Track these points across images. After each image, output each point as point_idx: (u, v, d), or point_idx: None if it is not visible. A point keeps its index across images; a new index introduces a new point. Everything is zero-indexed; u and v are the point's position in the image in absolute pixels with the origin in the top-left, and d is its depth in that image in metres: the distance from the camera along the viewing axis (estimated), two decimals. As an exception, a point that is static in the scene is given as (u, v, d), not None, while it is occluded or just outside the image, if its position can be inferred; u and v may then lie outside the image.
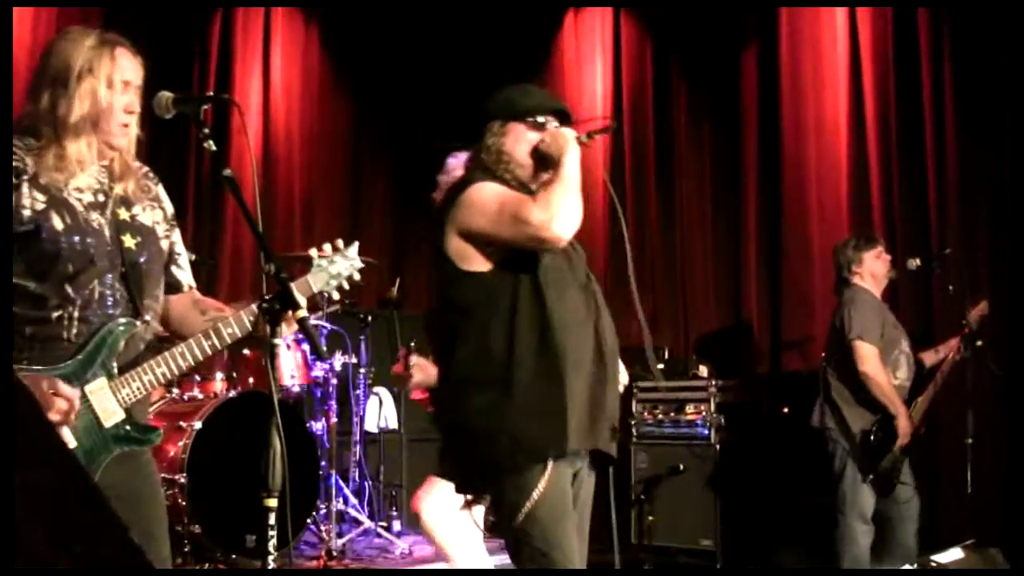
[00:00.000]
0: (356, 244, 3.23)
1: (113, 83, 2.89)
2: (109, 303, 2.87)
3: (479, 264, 3.30)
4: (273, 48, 8.87)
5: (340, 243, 3.19)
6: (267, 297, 2.69)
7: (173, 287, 3.16)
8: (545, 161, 3.43)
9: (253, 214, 2.83)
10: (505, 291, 3.27)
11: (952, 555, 4.39)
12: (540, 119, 3.49)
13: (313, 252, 3.16)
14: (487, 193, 3.31)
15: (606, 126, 3.54)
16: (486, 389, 3.23)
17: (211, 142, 2.82)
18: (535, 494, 3.15)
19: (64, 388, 2.71)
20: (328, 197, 9.31)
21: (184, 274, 3.20)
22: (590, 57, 9.23)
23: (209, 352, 2.95)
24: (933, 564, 4.20)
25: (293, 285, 3.02)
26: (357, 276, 3.20)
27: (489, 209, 3.27)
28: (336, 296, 3.22)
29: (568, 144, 3.39)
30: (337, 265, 3.14)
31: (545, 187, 3.32)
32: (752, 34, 8.32)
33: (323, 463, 6.30)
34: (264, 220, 2.78)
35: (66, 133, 2.85)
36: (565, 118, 3.57)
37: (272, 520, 2.64)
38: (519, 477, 3.18)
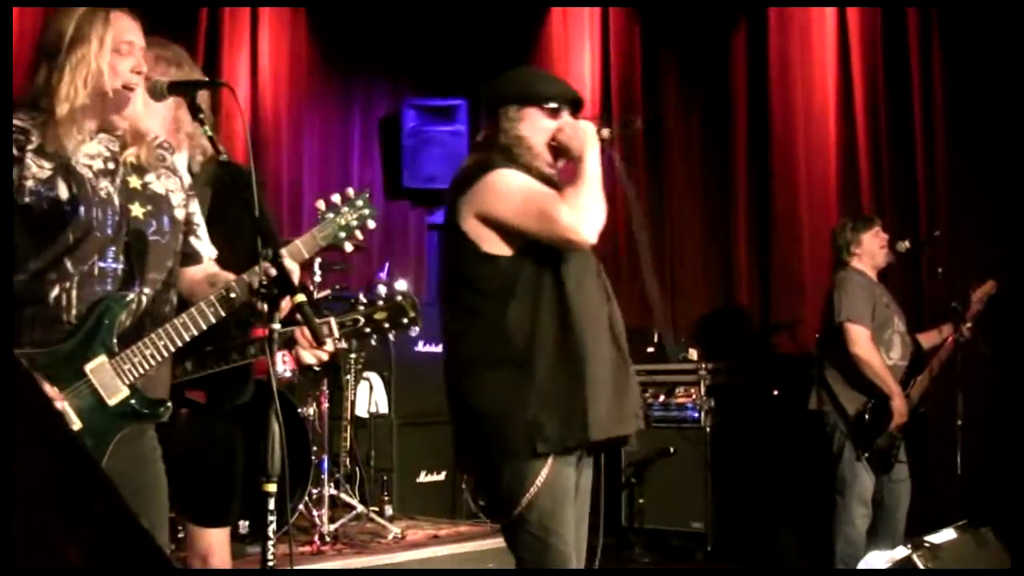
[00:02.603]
0: (367, 192, 3.13)
1: (105, 44, 2.78)
2: (109, 281, 2.79)
3: (499, 247, 3.26)
4: (261, 33, 8.81)
5: (350, 191, 3.09)
6: (264, 282, 2.66)
7: (191, 258, 3.08)
8: (560, 152, 3.41)
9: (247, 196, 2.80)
10: (526, 276, 3.24)
11: (945, 535, 4.42)
12: (555, 105, 3.42)
13: (320, 204, 3.07)
14: (512, 182, 3.26)
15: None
16: (502, 369, 3.20)
17: (207, 127, 2.80)
18: (539, 481, 3.13)
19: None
20: (317, 181, 9.27)
21: (203, 245, 3.12)
22: (578, 42, 9.21)
23: (212, 320, 2.86)
24: (926, 544, 4.22)
25: (297, 241, 2.98)
26: (371, 224, 3.09)
27: (514, 200, 3.23)
28: (349, 248, 3.09)
29: (588, 139, 3.36)
30: (346, 215, 3.05)
31: (571, 185, 3.29)
32: (741, 19, 8.30)
33: (315, 448, 6.29)
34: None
35: (61, 103, 2.76)
36: (578, 107, 3.51)
37: (272, 505, 2.64)
38: (523, 464, 3.15)
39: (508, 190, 3.23)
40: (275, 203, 8.85)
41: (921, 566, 4.07)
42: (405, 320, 3.26)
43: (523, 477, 3.14)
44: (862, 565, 5.10)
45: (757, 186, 8.13)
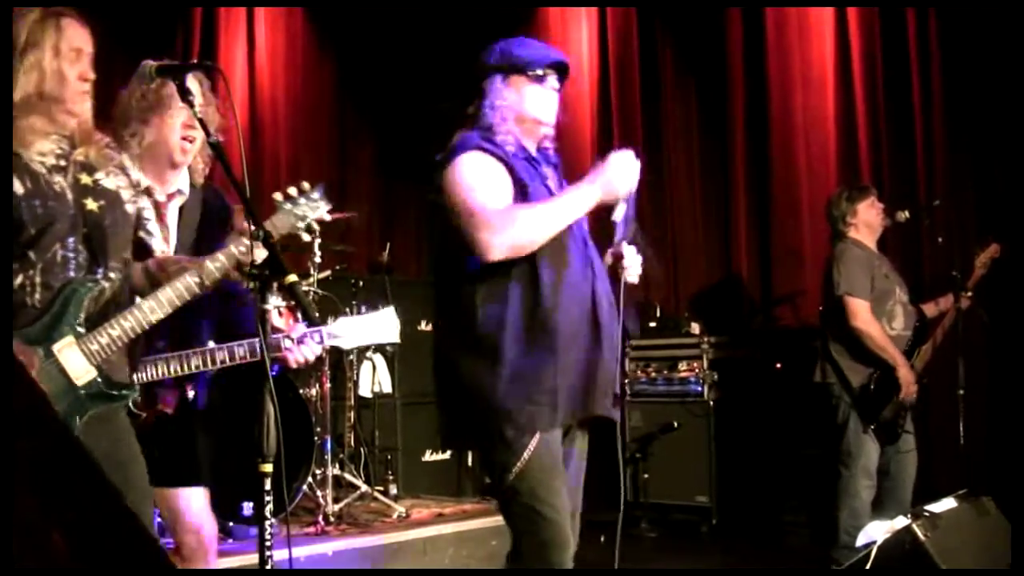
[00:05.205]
0: (321, 186, 3.16)
1: (60, 52, 2.85)
2: (71, 267, 2.85)
3: None
4: (257, 15, 8.81)
5: (306, 185, 3.14)
6: (256, 263, 2.68)
7: (144, 252, 3.14)
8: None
9: (240, 180, 2.82)
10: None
11: (945, 505, 4.43)
12: (540, 71, 3.42)
13: (277, 195, 3.12)
14: (468, 174, 3.25)
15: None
16: (473, 354, 3.24)
17: (197, 109, 2.81)
18: (525, 454, 3.17)
19: (21, 347, 2.73)
20: (314, 162, 9.24)
21: (154, 240, 3.19)
22: (575, 16, 9.17)
23: (177, 302, 2.92)
24: (926, 514, 4.23)
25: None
26: (327, 217, 3.14)
27: (460, 191, 3.23)
28: (307, 238, 3.16)
29: (613, 181, 3.31)
30: (302, 207, 3.09)
31: (537, 201, 3.27)
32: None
33: (318, 429, 6.30)
34: (251, 186, 2.75)
35: (14, 109, 2.81)
36: (564, 71, 3.51)
37: (268, 486, 2.65)
38: (505, 444, 3.20)
39: (461, 179, 3.24)
40: (273, 183, 8.84)
41: (921, 535, 4.08)
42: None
43: (511, 450, 3.18)
44: (863, 535, 5.11)
45: (756, 158, 8.10)
